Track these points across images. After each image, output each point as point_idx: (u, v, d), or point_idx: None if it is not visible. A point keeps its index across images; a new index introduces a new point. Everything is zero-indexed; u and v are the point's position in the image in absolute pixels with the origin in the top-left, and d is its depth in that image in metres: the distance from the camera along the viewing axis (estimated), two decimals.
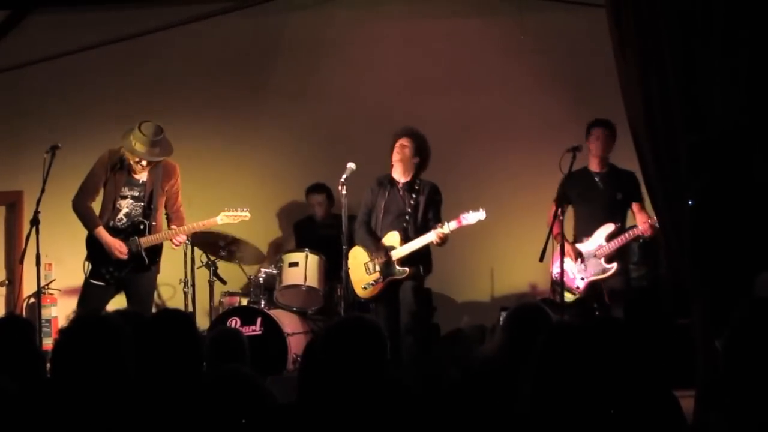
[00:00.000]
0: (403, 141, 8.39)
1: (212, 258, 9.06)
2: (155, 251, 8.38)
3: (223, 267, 9.42)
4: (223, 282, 9.29)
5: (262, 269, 9.20)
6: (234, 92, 10.31)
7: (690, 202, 6.21)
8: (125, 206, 8.33)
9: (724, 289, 6.09)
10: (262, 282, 9.06)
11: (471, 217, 8.21)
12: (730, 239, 6.14)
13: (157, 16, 10.33)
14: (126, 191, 8.33)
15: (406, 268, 8.31)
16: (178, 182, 8.49)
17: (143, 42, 10.39)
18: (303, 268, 8.67)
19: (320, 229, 9.52)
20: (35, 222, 8.20)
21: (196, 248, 8.95)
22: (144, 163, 8.21)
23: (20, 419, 3.57)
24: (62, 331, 4.18)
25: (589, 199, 8.46)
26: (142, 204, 8.33)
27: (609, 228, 8.28)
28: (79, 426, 3.85)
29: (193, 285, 8.85)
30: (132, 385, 4.07)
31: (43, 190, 8.31)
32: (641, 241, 8.99)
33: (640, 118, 6.42)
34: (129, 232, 8.31)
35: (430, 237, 8.21)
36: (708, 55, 6.12)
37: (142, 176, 8.32)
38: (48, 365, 4.45)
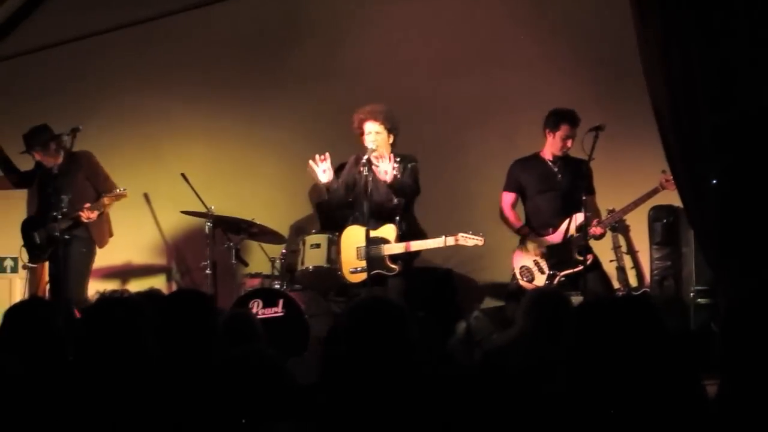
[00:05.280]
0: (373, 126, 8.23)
1: (234, 240, 9.05)
2: (72, 232, 8.85)
3: (245, 249, 9.43)
4: (245, 264, 9.29)
5: (284, 251, 9.19)
6: (255, 73, 10.27)
7: (713, 182, 6.17)
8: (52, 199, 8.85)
9: (747, 268, 6.06)
10: (283, 264, 9.06)
11: (469, 241, 8.05)
12: (754, 219, 6.10)
13: None
14: (49, 189, 8.89)
15: (396, 266, 8.14)
16: (93, 165, 9.10)
17: (163, 24, 10.36)
18: (325, 250, 8.64)
19: (343, 211, 9.44)
20: None
21: (218, 230, 8.98)
22: (39, 156, 9.03)
23: (25, 400, 3.57)
24: (84, 312, 4.19)
25: (547, 189, 8.27)
26: (58, 194, 8.79)
27: (579, 218, 8.00)
28: (100, 407, 3.86)
29: (215, 267, 8.87)
30: (153, 365, 4.08)
31: None
32: (664, 221, 8.94)
33: (663, 99, 6.40)
34: (45, 221, 8.83)
35: (438, 243, 8.08)
36: (731, 35, 6.09)
37: (55, 170, 8.96)
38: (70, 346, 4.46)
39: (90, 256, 9.08)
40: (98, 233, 9.03)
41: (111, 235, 9.24)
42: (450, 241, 8.02)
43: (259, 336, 5.43)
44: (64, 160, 8.91)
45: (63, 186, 8.81)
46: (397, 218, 8.21)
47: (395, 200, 8.20)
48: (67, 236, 8.75)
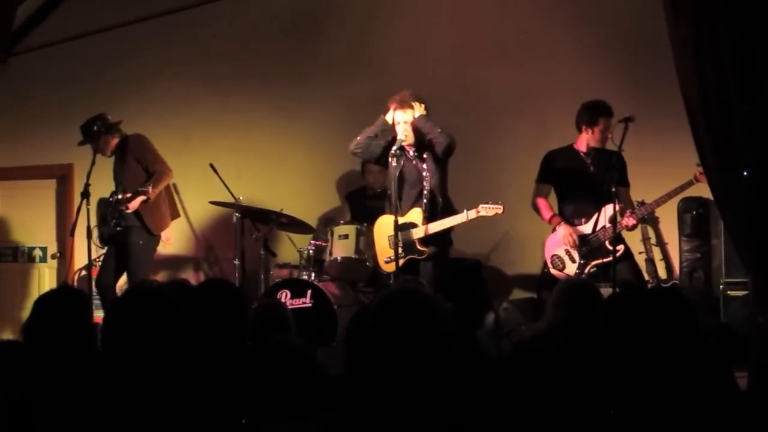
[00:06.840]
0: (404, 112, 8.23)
1: (262, 231, 9.05)
2: (125, 222, 8.78)
3: (273, 239, 9.43)
4: (273, 254, 9.29)
5: (313, 242, 9.19)
6: (284, 63, 10.29)
7: (745, 173, 6.12)
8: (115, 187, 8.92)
9: None
10: (312, 254, 9.05)
11: (490, 210, 8.04)
12: None
13: None
14: (114, 175, 8.96)
15: (427, 249, 8.17)
16: (140, 147, 8.96)
17: (193, 13, 10.41)
18: (353, 241, 8.63)
19: (372, 201, 9.43)
20: (86, 194, 8.31)
21: (246, 221, 8.99)
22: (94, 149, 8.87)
23: (53, 388, 3.59)
24: (114, 302, 4.20)
25: (578, 180, 8.22)
26: (115, 181, 8.92)
27: (610, 209, 7.87)
28: (128, 397, 3.86)
29: (243, 257, 8.87)
30: (182, 355, 4.08)
31: (93, 163, 8.40)
32: (694, 212, 8.91)
33: (693, 89, 6.34)
34: (107, 208, 8.84)
35: (460, 218, 8.07)
36: (762, 24, 6.03)
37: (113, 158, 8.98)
38: (99, 336, 4.47)
39: (149, 245, 9.00)
40: (151, 221, 8.91)
41: (177, 216, 9.40)
42: (471, 214, 8.02)
43: (290, 326, 5.42)
44: (116, 147, 8.95)
45: (118, 172, 8.90)
46: (426, 191, 8.20)
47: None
48: (120, 226, 8.75)
